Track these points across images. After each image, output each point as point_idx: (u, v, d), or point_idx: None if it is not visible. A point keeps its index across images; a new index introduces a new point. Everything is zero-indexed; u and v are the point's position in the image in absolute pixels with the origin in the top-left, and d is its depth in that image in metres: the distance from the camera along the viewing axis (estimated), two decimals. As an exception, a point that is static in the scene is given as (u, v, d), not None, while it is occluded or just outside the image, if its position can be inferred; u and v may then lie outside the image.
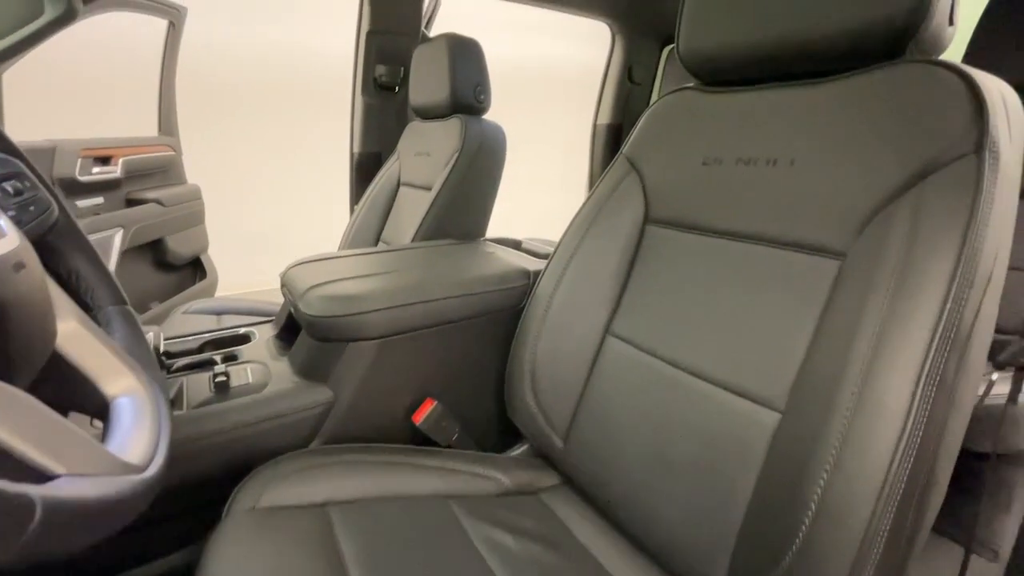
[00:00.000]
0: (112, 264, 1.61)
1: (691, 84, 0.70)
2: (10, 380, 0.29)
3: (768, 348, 0.52)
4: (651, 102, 2.16)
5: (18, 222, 0.43)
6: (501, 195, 1.32)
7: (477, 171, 1.22)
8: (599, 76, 2.16)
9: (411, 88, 1.41)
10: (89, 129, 1.74)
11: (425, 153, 1.36)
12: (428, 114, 1.39)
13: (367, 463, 0.67)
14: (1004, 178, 0.43)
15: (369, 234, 1.51)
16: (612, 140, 2.20)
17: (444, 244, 1.09)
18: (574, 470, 0.70)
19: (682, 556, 0.55)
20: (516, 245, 1.25)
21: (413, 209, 1.35)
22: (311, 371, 0.77)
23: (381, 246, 1.45)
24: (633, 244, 0.70)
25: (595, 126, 2.20)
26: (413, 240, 1.21)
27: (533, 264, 0.92)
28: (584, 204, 0.77)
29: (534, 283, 0.81)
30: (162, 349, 0.65)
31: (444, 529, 0.59)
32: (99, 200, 1.68)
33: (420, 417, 0.79)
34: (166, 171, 2.03)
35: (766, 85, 0.60)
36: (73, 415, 0.44)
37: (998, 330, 0.47)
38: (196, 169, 2.20)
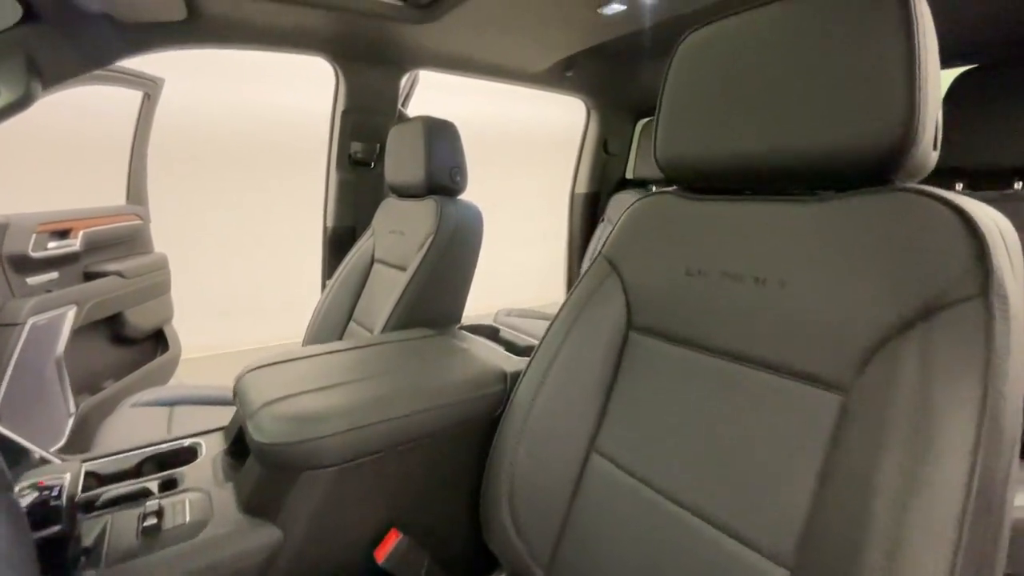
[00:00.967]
0: (61, 345, 1.50)
1: (671, 188, 0.68)
2: None
3: (770, 488, 0.48)
4: (625, 174, 2.22)
5: None
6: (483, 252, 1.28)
7: (452, 255, 1.18)
8: (577, 135, 2.20)
9: (387, 166, 1.39)
10: (58, 197, 1.68)
11: (399, 232, 1.33)
12: (404, 192, 1.37)
13: None
14: (1015, 316, 0.40)
15: (340, 313, 1.45)
16: (589, 208, 2.23)
17: (416, 337, 1.02)
18: None
19: None
20: (493, 334, 1.20)
21: (386, 289, 1.30)
22: (258, 506, 0.68)
23: (349, 335, 1.38)
24: (616, 350, 0.66)
25: (572, 195, 2.22)
26: (386, 326, 1.15)
27: (511, 364, 0.86)
28: (564, 304, 0.73)
29: (512, 388, 0.75)
30: (78, 496, 0.56)
31: None
32: (53, 276, 1.59)
33: (383, 553, 0.70)
34: (131, 241, 1.96)
35: (748, 196, 0.58)
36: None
37: None
38: (170, 229, 2.15)
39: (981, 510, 0.37)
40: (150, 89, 1.88)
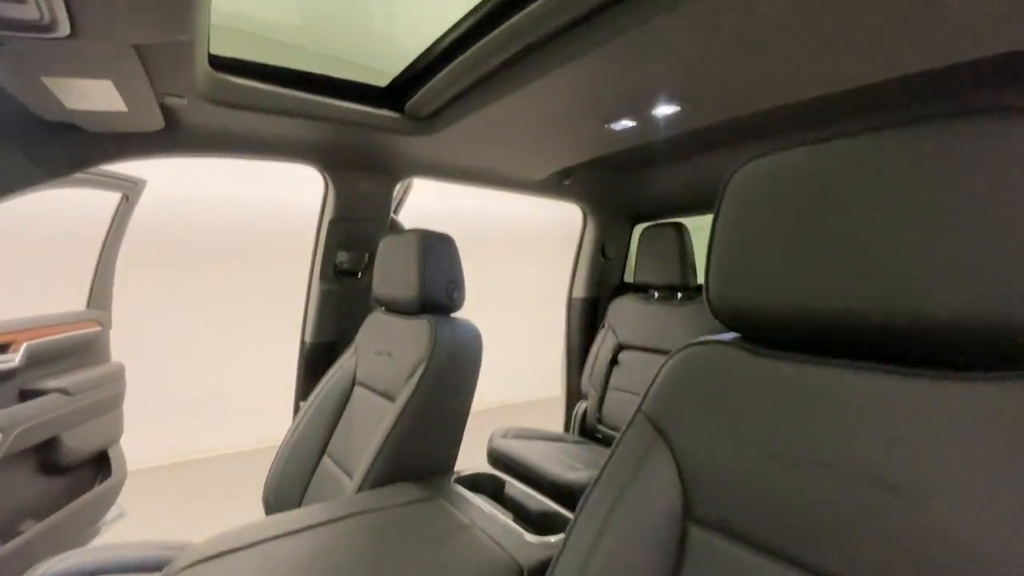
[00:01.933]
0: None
1: (727, 336, 0.55)
2: None
3: None
4: (624, 277, 2.15)
5: None
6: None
7: (446, 386, 1.02)
8: (576, 231, 2.14)
9: (376, 278, 1.27)
10: (12, 305, 1.52)
11: (387, 353, 1.17)
12: (393, 307, 1.23)
13: None
14: None
15: (314, 444, 1.24)
16: (587, 312, 2.12)
17: (402, 503, 0.83)
18: None
19: None
20: (499, 489, 1.00)
21: (368, 421, 1.12)
22: None
23: (321, 476, 1.17)
24: (673, 550, 0.49)
25: (570, 299, 2.12)
26: (366, 477, 0.95)
27: (526, 552, 0.67)
28: (598, 478, 0.57)
29: None
30: None
31: None
32: (-23, 398, 1.38)
33: None
34: (85, 351, 1.76)
35: (852, 362, 0.45)
36: None
37: None
38: (138, 330, 1.97)
39: None
40: (129, 191, 1.79)
